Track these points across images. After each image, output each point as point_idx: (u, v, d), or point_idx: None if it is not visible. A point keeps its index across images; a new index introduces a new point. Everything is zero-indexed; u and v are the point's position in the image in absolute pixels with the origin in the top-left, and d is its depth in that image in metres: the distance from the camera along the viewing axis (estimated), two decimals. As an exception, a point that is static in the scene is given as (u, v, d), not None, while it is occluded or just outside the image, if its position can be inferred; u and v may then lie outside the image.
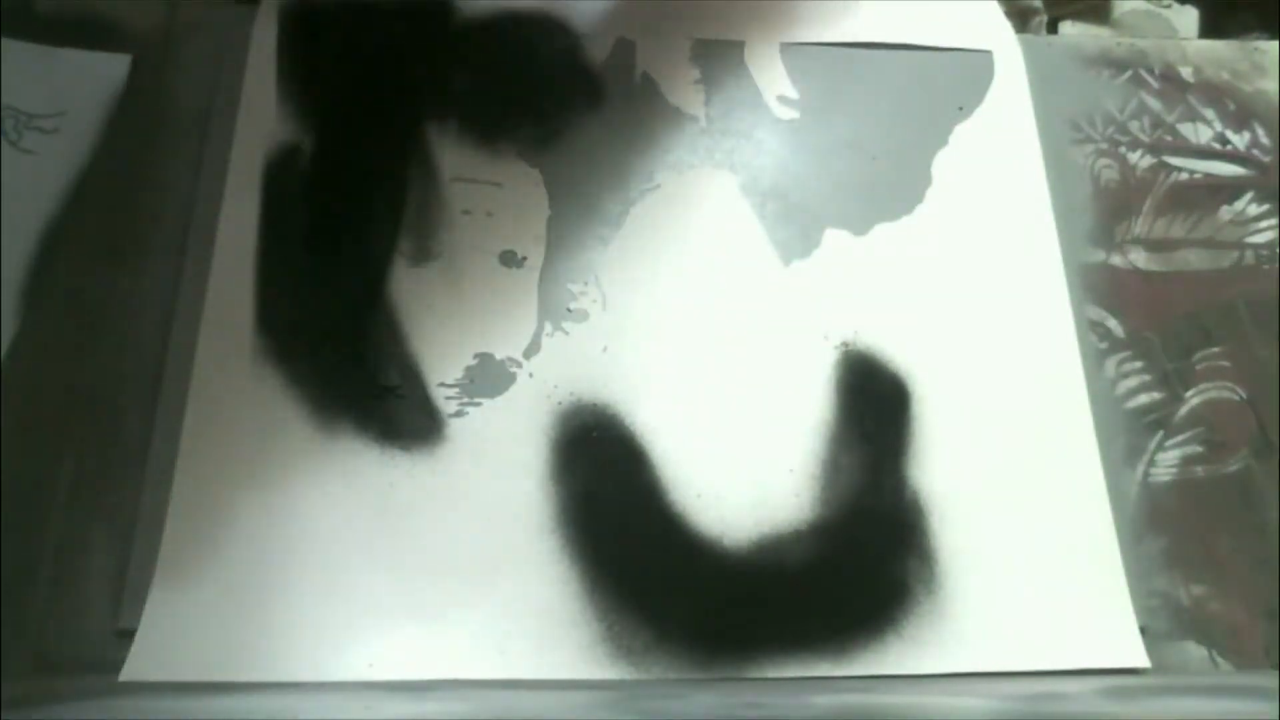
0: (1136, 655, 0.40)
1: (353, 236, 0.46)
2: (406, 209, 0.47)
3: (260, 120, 0.48)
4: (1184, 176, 0.52)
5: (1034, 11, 0.59)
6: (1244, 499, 0.45)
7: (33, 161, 0.46)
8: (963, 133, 0.51)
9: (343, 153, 0.48)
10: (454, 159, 0.48)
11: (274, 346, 0.43)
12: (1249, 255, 0.50)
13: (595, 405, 0.44)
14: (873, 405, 0.45)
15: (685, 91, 0.51)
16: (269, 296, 0.44)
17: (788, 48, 0.52)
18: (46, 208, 0.46)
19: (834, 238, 0.48)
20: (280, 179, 0.47)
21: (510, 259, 0.47)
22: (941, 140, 0.51)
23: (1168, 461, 0.45)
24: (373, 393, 0.43)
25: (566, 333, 0.45)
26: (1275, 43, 0.56)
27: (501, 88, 0.50)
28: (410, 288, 0.45)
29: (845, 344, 0.46)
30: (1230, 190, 0.52)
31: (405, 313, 0.45)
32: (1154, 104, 0.54)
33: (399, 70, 0.50)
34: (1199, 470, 0.45)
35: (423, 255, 0.46)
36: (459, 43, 0.51)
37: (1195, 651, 0.41)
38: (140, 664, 0.37)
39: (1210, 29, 0.60)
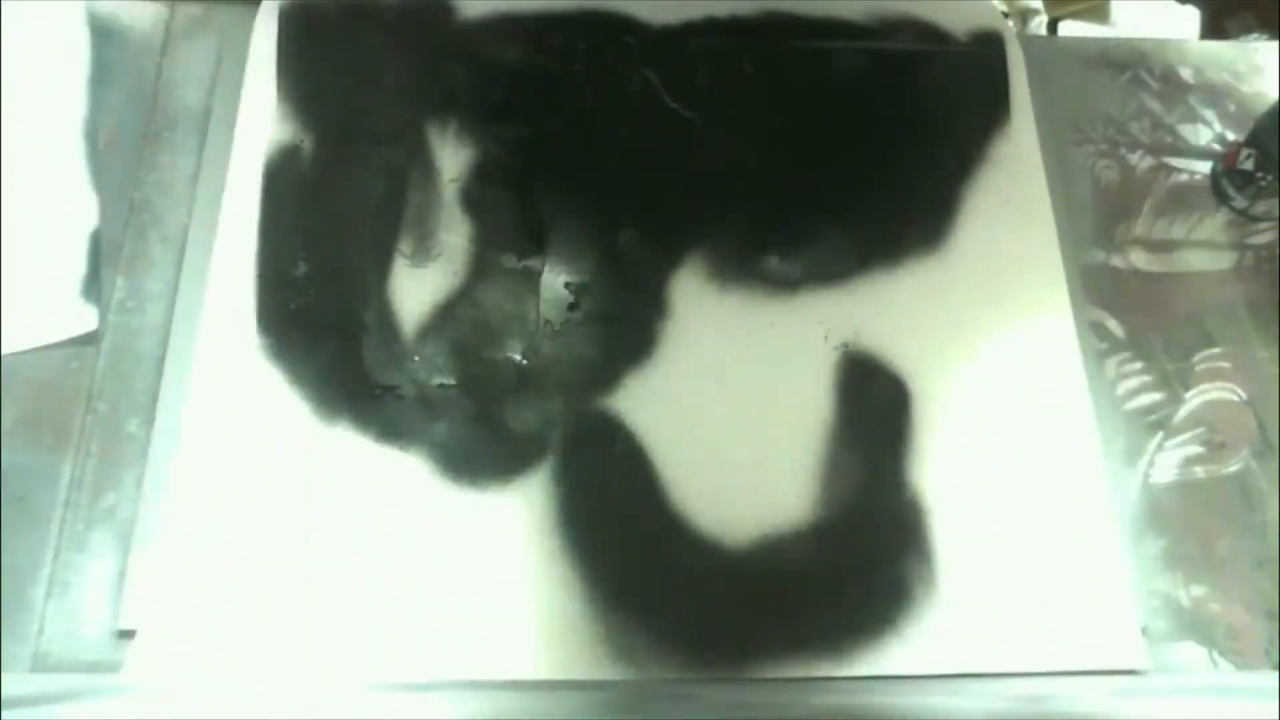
0: (1138, 657, 0.40)
1: (353, 236, 0.46)
2: (407, 209, 0.47)
3: (260, 120, 0.48)
4: (1184, 177, 0.52)
5: (1034, 12, 0.59)
6: (1244, 499, 0.45)
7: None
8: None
9: (343, 153, 0.48)
10: (453, 159, 0.48)
11: (276, 344, 0.43)
12: (1249, 256, 0.50)
13: (595, 405, 0.44)
14: (873, 405, 0.45)
15: (685, 93, 0.51)
16: (270, 295, 0.44)
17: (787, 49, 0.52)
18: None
19: (833, 239, 0.48)
20: (280, 179, 0.47)
21: (510, 259, 0.47)
22: (941, 141, 0.51)
23: (1168, 462, 0.45)
24: (373, 392, 0.43)
25: (567, 333, 0.45)
26: (1275, 43, 0.56)
27: (501, 88, 0.50)
28: (410, 288, 0.45)
29: (846, 344, 0.46)
30: (1230, 190, 0.52)
31: (406, 313, 0.45)
32: (1154, 105, 0.54)
33: (399, 70, 0.50)
34: (1199, 470, 0.45)
35: (423, 255, 0.46)
36: (459, 43, 0.51)
37: (1195, 652, 0.41)
38: (140, 664, 0.37)
39: (1210, 29, 0.60)
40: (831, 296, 0.47)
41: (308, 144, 0.48)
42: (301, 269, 0.45)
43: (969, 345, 0.46)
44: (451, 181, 0.48)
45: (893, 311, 0.46)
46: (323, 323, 0.44)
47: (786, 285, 0.47)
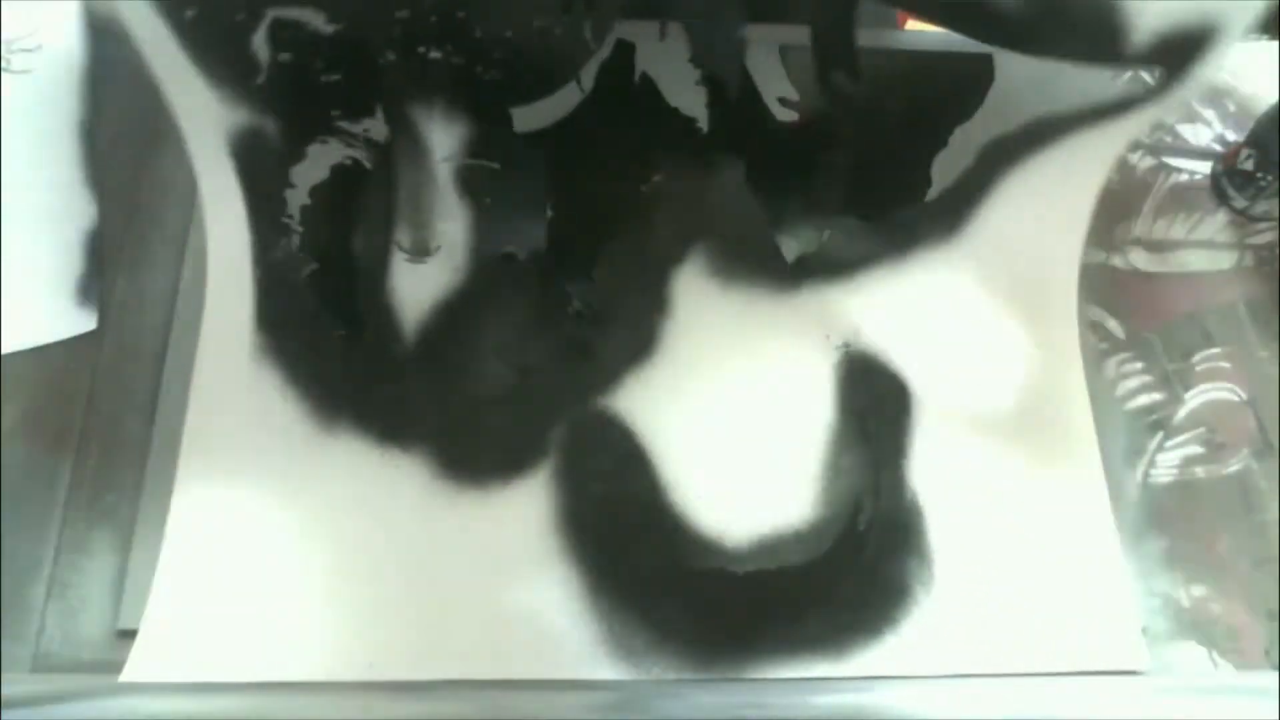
0: (1138, 657, 0.40)
1: (350, 231, 0.46)
2: (399, 193, 0.46)
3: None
4: (1184, 177, 0.52)
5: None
6: (1244, 499, 0.45)
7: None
8: (963, 134, 0.51)
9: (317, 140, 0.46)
10: (445, 139, 0.47)
11: (273, 344, 0.43)
12: (1249, 256, 0.50)
13: (596, 405, 0.44)
14: (873, 406, 0.44)
15: (686, 93, 0.51)
16: (269, 295, 0.44)
17: (788, 49, 0.52)
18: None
19: (833, 240, 0.48)
20: (251, 165, 0.43)
21: (510, 256, 0.46)
22: (941, 142, 0.51)
23: (1168, 462, 0.45)
24: (373, 392, 0.43)
25: (566, 331, 0.45)
26: (1275, 43, 0.56)
27: (498, 83, 0.50)
28: (411, 284, 0.45)
29: (847, 344, 0.46)
30: (1230, 191, 0.52)
31: (405, 310, 0.45)
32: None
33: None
34: (1199, 470, 0.45)
35: (421, 250, 0.46)
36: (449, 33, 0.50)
37: (1195, 652, 0.41)
38: (140, 664, 0.37)
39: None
40: (834, 294, 0.47)
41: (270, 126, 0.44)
42: (299, 268, 0.45)
43: (969, 346, 0.46)
44: (444, 161, 0.46)
45: (895, 310, 0.46)
46: (322, 322, 0.44)
47: (789, 283, 0.47)
